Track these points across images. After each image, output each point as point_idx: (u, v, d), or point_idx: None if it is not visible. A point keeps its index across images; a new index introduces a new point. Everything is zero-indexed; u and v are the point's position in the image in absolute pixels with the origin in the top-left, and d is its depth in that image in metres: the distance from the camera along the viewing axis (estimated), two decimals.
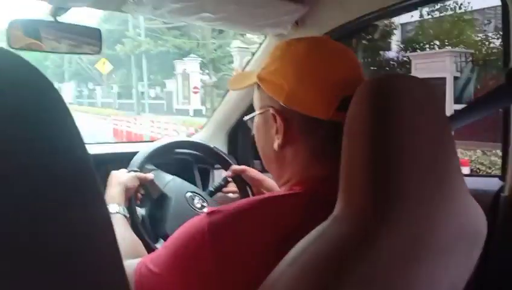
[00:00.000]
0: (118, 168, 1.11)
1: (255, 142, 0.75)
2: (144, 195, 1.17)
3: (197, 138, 1.64)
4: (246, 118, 0.79)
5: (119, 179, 1.06)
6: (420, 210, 0.50)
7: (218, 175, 1.50)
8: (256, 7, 1.14)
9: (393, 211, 0.48)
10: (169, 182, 1.20)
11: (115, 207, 0.98)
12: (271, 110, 0.67)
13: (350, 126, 0.52)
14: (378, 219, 0.48)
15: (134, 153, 1.18)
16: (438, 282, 0.55)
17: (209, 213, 0.60)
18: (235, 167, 1.24)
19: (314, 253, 0.48)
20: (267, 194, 0.66)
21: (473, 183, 0.73)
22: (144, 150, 1.18)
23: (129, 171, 1.10)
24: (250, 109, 0.76)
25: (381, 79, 0.55)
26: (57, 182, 0.26)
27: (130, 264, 0.67)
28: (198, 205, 1.19)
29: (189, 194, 1.21)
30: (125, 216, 0.98)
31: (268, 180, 1.16)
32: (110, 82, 28.39)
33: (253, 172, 1.21)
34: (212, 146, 1.38)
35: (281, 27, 1.24)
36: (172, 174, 1.32)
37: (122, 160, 1.15)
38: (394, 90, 0.53)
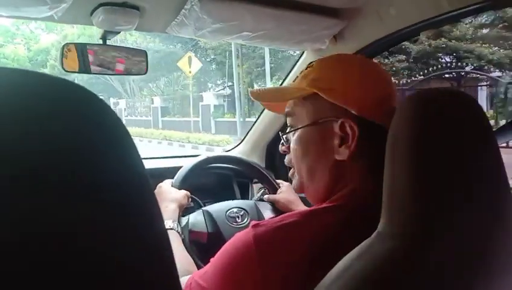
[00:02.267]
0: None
1: (295, 157, 0.74)
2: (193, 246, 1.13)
3: (236, 152, 1.67)
4: (287, 130, 0.77)
5: (173, 196, 1.09)
6: (467, 228, 0.49)
7: (257, 188, 1.51)
8: (295, 24, 1.16)
9: (437, 230, 0.48)
10: (206, 220, 1.17)
11: (170, 223, 1.01)
12: (341, 120, 0.66)
13: (393, 142, 0.52)
14: (421, 236, 0.48)
15: (173, 169, 1.22)
16: None
17: (254, 227, 0.61)
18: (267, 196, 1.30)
19: (358, 270, 0.48)
20: (311, 208, 0.66)
21: None
22: (186, 164, 1.22)
23: (178, 187, 1.14)
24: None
25: (423, 95, 0.55)
26: (113, 196, 0.27)
27: (181, 282, 0.69)
28: (239, 219, 1.20)
29: (228, 212, 1.20)
30: (178, 233, 1.01)
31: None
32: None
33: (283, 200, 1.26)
34: (251, 161, 1.40)
35: (319, 42, 1.25)
36: (212, 188, 1.35)
37: (162, 175, 1.19)
38: (437, 105, 0.53)
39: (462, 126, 0.52)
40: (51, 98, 0.27)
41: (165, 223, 0.99)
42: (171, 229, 1.00)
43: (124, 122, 0.31)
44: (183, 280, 0.70)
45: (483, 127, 0.54)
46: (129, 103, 21.68)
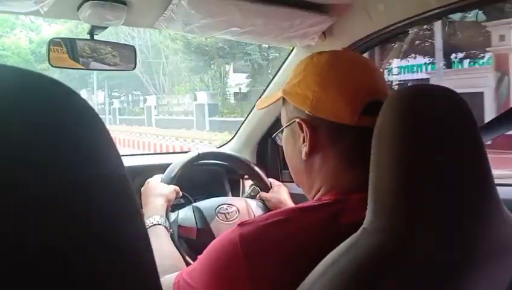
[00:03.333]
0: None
1: (285, 157, 0.77)
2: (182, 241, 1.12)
3: (227, 148, 1.67)
4: (274, 135, 0.81)
5: (161, 191, 1.09)
6: (452, 223, 0.50)
7: (248, 184, 1.51)
8: (284, 20, 1.16)
9: (422, 225, 0.48)
10: (195, 216, 1.16)
11: (158, 218, 1.00)
12: (297, 120, 0.68)
13: (379, 137, 0.52)
14: (406, 231, 0.48)
15: (164, 165, 1.22)
16: None
17: (240, 225, 0.61)
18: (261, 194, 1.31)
19: (343, 265, 0.48)
20: (297, 205, 0.67)
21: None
22: (177, 161, 1.21)
23: (167, 182, 1.13)
24: (279, 121, 0.78)
25: (411, 90, 0.56)
26: (92, 197, 0.26)
27: (170, 279, 0.70)
28: (229, 216, 1.20)
29: (218, 209, 1.20)
30: (166, 228, 1.01)
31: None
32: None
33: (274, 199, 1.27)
34: (242, 157, 1.40)
35: (308, 38, 1.25)
36: (203, 184, 1.34)
37: (153, 172, 1.19)
38: (424, 101, 0.53)
39: (448, 123, 0.53)
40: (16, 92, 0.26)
41: (152, 218, 0.98)
42: (159, 224, 1.00)
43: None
44: (171, 277, 0.70)
45: (469, 124, 0.55)
46: (161, 100, 16.98)
